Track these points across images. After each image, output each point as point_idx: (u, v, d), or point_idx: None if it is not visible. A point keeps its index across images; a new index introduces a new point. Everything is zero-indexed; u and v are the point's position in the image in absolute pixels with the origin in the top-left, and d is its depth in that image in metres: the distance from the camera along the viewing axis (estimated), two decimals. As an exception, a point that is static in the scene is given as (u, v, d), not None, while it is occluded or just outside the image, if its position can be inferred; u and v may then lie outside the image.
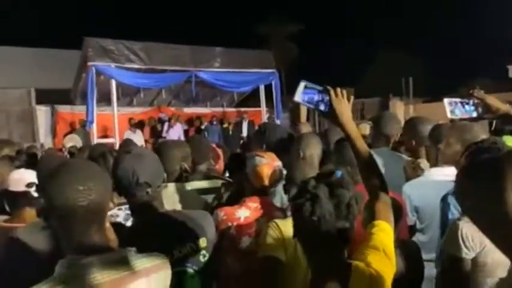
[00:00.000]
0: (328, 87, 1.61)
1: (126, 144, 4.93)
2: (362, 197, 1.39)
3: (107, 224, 1.33)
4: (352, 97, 1.65)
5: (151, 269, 1.34)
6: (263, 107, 12.70)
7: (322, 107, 1.60)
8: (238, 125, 13.16)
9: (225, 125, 13.38)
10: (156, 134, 12.52)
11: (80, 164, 1.33)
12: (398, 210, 1.98)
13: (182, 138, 11.85)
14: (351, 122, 1.60)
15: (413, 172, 2.74)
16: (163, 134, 12.13)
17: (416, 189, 2.52)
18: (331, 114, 1.59)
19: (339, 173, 1.37)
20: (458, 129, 2.35)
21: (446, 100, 2.21)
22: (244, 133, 12.69)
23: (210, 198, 2.68)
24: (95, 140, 10.12)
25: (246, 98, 14.83)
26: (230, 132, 12.93)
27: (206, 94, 13.75)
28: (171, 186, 2.53)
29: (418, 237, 2.47)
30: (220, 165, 3.50)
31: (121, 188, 1.76)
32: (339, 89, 1.61)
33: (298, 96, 1.60)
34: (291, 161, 2.68)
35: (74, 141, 7.02)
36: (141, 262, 1.32)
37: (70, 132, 10.36)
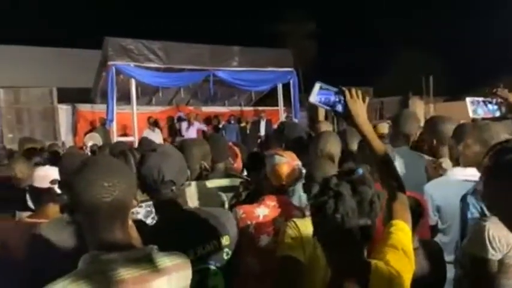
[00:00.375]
0: (343, 88, 1.62)
1: (144, 142, 4.99)
2: (383, 194, 1.39)
3: (130, 222, 1.35)
4: (367, 98, 1.65)
5: (172, 267, 1.35)
6: (281, 106, 12.68)
7: (337, 108, 1.61)
8: (255, 124, 13.16)
9: (243, 124, 13.40)
10: (175, 132, 12.61)
11: (105, 161, 1.35)
12: (419, 210, 1.96)
13: (201, 136, 11.93)
14: (366, 123, 1.61)
15: (435, 172, 2.70)
16: (183, 133, 12.21)
17: (438, 189, 2.48)
18: (346, 115, 1.61)
19: (359, 171, 1.36)
20: (477, 130, 2.32)
21: (468, 99, 2.18)
22: (262, 132, 12.68)
23: (228, 196, 2.69)
24: (115, 138, 10.25)
25: (264, 97, 14.83)
26: (248, 131, 12.93)
27: (224, 93, 13.80)
28: (193, 185, 2.55)
29: (440, 238, 2.43)
30: (238, 163, 3.51)
31: (146, 185, 1.80)
32: (354, 90, 1.62)
33: (314, 97, 1.62)
34: (310, 159, 2.68)
35: (94, 139, 7.15)
36: (162, 261, 1.33)
37: (90, 131, 10.52)
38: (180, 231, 1.70)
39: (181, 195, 1.82)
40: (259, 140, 12.38)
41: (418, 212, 1.92)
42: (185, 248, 1.47)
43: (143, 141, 5.17)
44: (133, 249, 1.30)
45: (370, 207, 1.32)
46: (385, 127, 4.54)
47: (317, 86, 1.63)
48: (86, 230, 1.28)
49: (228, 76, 11.37)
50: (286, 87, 12.35)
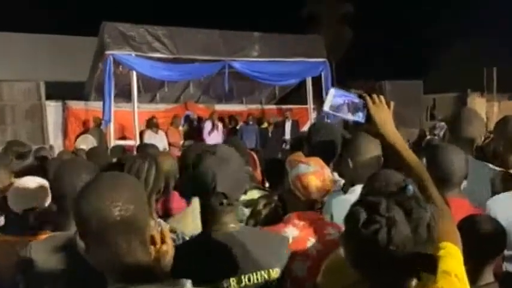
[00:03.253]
0: (363, 94, 1.68)
1: (144, 147, 5.03)
2: (438, 212, 1.38)
3: (168, 241, 1.45)
4: (392, 103, 1.70)
5: None
6: (310, 104, 12.68)
7: (358, 117, 1.67)
8: (279, 126, 13.18)
9: (264, 126, 13.43)
10: (190, 135, 12.66)
11: (110, 177, 1.43)
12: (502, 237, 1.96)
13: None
14: (395, 132, 1.66)
15: (504, 185, 2.65)
16: (205, 136, 12.25)
17: (504, 206, 2.44)
18: (370, 125, 1.66)
19: (410, 188, 1.36)
20: None
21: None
22: (287, 135, 12.67)
23: (246, 212, 2.69)
24: (112, 141, 10.39)
25: (290, 93, 14.86)
26: (270, 134, 12.96)
27: (241, 88, 13.89)
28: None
29: (506, 267, 2.38)
30: (258, 173, 3.50)
31: (194, 190, 1.89)
32: (375, 95, 1.68)
33: (328, 105, 1.68)
34: (341, 170, 2.66)
35: (87, 142, 7.23)
36: None
37: (83, 132, 10.68)
38: (224, 253, 1.77)
39: (232, 211, 1.88)
40: (283, 145, 12.41)
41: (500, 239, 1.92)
42: (227, 273, 1.52)
43: (143, 146, 5.22)
44: (161, 282, 1.34)
45: (428, 233, 1.33)
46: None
47: (331, 92, 1.69)
48: (100, 260, 1.35)
49: (247, 68, 11.44)
50: (316, 81, 12.33)
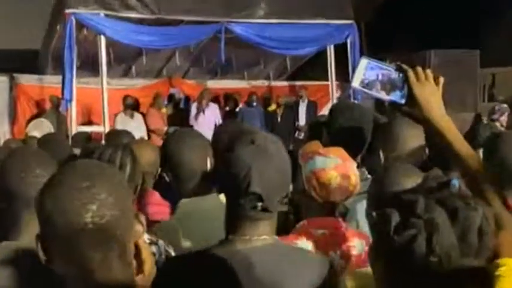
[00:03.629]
0: (404, 67, 1.68)
1: (115, 135, 5.03)
2: (492, 215, 1.38)
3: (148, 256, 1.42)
4: (442, 80, 1.69)
5: None
6: (332, 80, 12.64)
7: (395, 97, 1.67)
8: (292, 108, 13.14)
9: (271, 108, 13.41)
10: (176, 119, 12.66)
11: (84, 167, 1.40)
12: None
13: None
14: (443, 116, 1.67)
15: None
16: (191, 122, 12.21)
17: None
18: (412, 107, 1.66)
19: (455, 183, 1.35)
20: None
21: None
22: (301, 120, 12.65)
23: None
24: (74, 127, 10.42)
25: (305, 66, 14.84)
26: (279, 119, 12.93)
27: (242, 59, 13.87)
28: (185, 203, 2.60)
29: None
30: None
31: (222, 186, 1.90)
32: (419, 69, 1.67)
33: (358, 80, 1.69)
34: (375, 162, 2.67)
35: (42, 128, 7.24)
36: None
37: (37, 116, 10.70)
38: (244, 277, 1.73)
39: (269, 219, 1.84)
40: (296, 133, 12.38)
41: None
42: None
43: (114, 133, 5.22)
44: None
45: (479, 240, 1.31)
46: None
47: (363, 63, 1.69)
48: (71, 276, 1.34)
49: (250, 32, 11.44)
50: (340, 50, 12.29)
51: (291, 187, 2.01)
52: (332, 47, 12.31)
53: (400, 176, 2.25)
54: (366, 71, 1.68)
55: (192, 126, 11.65)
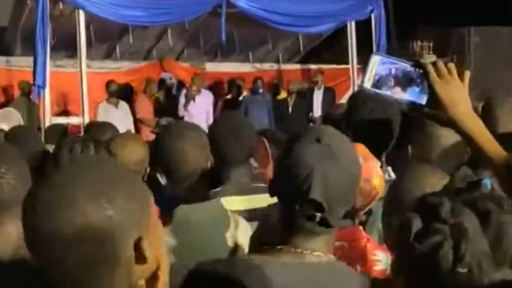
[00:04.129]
0: (424, 62, 1.69)
1: (97, 128, 5.04)
2: None
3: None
4: (468, 73, 1.70)
5: None
6: (353, 62, 12.64)
7: (413, 94, 1.69)
8: (305, 96, 13.13)
9: (281, 96, 13.40)
10: (164, 108, 12.66)
11: (82, 165, 1.40)
12: None
13: (211, 116, 11.94)
14: (471, 115, 1.69)
15: None
16: (180, 112, 12.23)
17: None
18: (434, 108, 1.68)
19: (486, 183, 1.35)
20: None
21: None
22: (316, 111, 12.64)
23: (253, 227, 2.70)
24: (48, 118, 10.44)
25: (321, 47, 14.83)
26: (290, 109, 12.92)
27: (247, 39, 13.90)
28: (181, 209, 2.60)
29: None
30: (269, 169, 3.52)
31: (278, 190, 1.84)
32: (441, 63, 1.68)
33: (369, 80, 1.70)
34: (398, 164, 2.67)
35: (10, 119, 7.26)
36: None
37: (4, 105, 10.68)
38: None
39: (326, 235, 1.80)
40: (310, 125, 12.31)
41: None
42: None
43: (95, 125, 5.23)
44: None
45: None
46: None
47: (374, 59, 1.71)
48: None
49: (255, 6, 11.43)
50: (363, 27, 12.26)
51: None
52: (353, 23, 12.32)
53: (421, 178, 2.25)
54: (379, 67, 1.69)
55: (182, 117, 11.64)
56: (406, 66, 1.69)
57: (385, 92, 1.69)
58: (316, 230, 1.77)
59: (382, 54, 1.73)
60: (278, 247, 1.81)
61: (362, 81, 1.72)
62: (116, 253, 1.32)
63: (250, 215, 2.90)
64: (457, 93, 1.66)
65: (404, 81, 1.68)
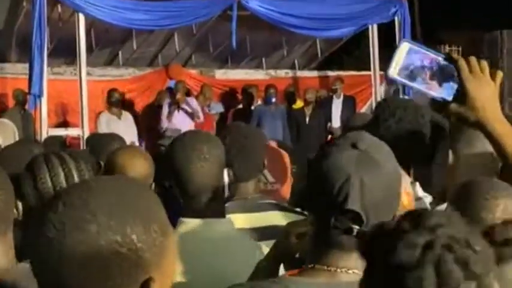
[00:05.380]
0: (455, 56, 1.71)
1: (97, 139, 5.02)
2: None
3: None
4: (500, 73, 1.72)
5: None
6: (375, 69, 12.64)
7: (441, 93, 1.71)
8: (322, 105, 13.14)
9: (297, 105, 13.42)
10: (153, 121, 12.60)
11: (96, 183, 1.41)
12: None
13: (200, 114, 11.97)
14: (501, 119, 1.73)
15: None
16: (163, 123, 12.04)
17: None
18: (461, 105, 1.70)
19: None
20: None
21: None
22: (335, 121, 12.64)
23: (263, 248, 2.69)
24: (45, 130, 10.40)
25: (341, 52, 14.84)
26: (307, 119, 12.91)
27: (260, 43, 13.94)
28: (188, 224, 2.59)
29: None
30: (287, 184, 3.50)
31: (311, 201, 1.84)
32: (474, 59, 1.69)
33: (396, 69, 1.72)
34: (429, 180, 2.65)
35: (4, 131, 7.28)
36: None
37: (-2, 115, 10.73)
38: None
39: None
40: (329, 137, 12.31)
41: None
42: None
43: (99, 138, 5.22)
44: None
45: None
46: None
47: (404, 47, 1.72)
48: None
49: (269, 8, 11.42)
50: (386, 31, 12.26)
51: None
52: (375, 26, 12.33)
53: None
54: (408, 56, 1.70)
55: (164, 130, 11.63)
56: (439, 59, 1.69)
57: (412, 84, 1.70)
58: (352, 245, 1.71)
59: (412, 42, 1.74)
60: (310, 266, 1.80)
61: (388, 69, 1.72)
62: None
63: (257, 233, 2.91)
64: (489, 94, 1.68)
65: (440, 75, 1.69)
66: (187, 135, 2.93)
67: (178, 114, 12.13)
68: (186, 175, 2.63)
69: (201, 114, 12.17)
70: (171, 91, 13.30)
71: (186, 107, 12.12)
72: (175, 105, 12.14)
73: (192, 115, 12.09)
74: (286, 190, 3.50)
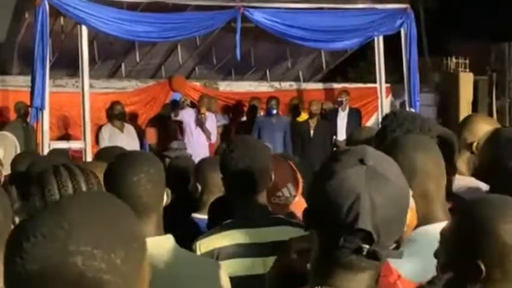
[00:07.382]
0: None
1: (106, 154, 5.03)
2: None
3: None
4: None
5: None
6: (381, 81, 12.62)
7: None
8: (327, 118, 13.10)
9: (302, 118, 13.36)
10: (176, 132, 12.62)
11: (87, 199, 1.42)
12: None
13: (213, 136, 11.95)
14: None
15: None
16: (186, 135, 12.09)
17: None
18: None
19: None
20: None
21: None
22: (341, 134, 12.61)
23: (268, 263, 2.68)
24: (46, 143, 10.40)
25: (346, 63, 14.79)
26: (311, 133, 12.89)
27: (264, 55, 13.91)
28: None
29: None
30: (299, 198, 3.50)
31: (316, 221, 1.79)
32: None
33: None
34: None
35: (5, 144, 7.26)
36: None
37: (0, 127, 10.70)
38: None
39: (375, 270, 1.75)
40: (335, 149, 12.27)
41: None
42: None
43: (104, 152, 5.22)
44: None
45: None
46: None
47: None
48: None
49: (273, 20, 11.42)
50: (392, 43, 12.26)
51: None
52: (381, 38, 12.29)
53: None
54: None
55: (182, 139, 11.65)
56: None
57: None
58: (363, 265, 1.72)
59: None
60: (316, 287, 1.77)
61: None
62: None
63: (260, 249, 2.91)
64: None
65: None
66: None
67: (195, 130, 12.20)
68: None
69: (213, 137, 12.23)
70: (175, 104, 13.32)
71: (206, 124, 12.20)
72: (197, 120, 12.20)
73: (208, 133, 12.18)
74: (300, 203, 3.49)
